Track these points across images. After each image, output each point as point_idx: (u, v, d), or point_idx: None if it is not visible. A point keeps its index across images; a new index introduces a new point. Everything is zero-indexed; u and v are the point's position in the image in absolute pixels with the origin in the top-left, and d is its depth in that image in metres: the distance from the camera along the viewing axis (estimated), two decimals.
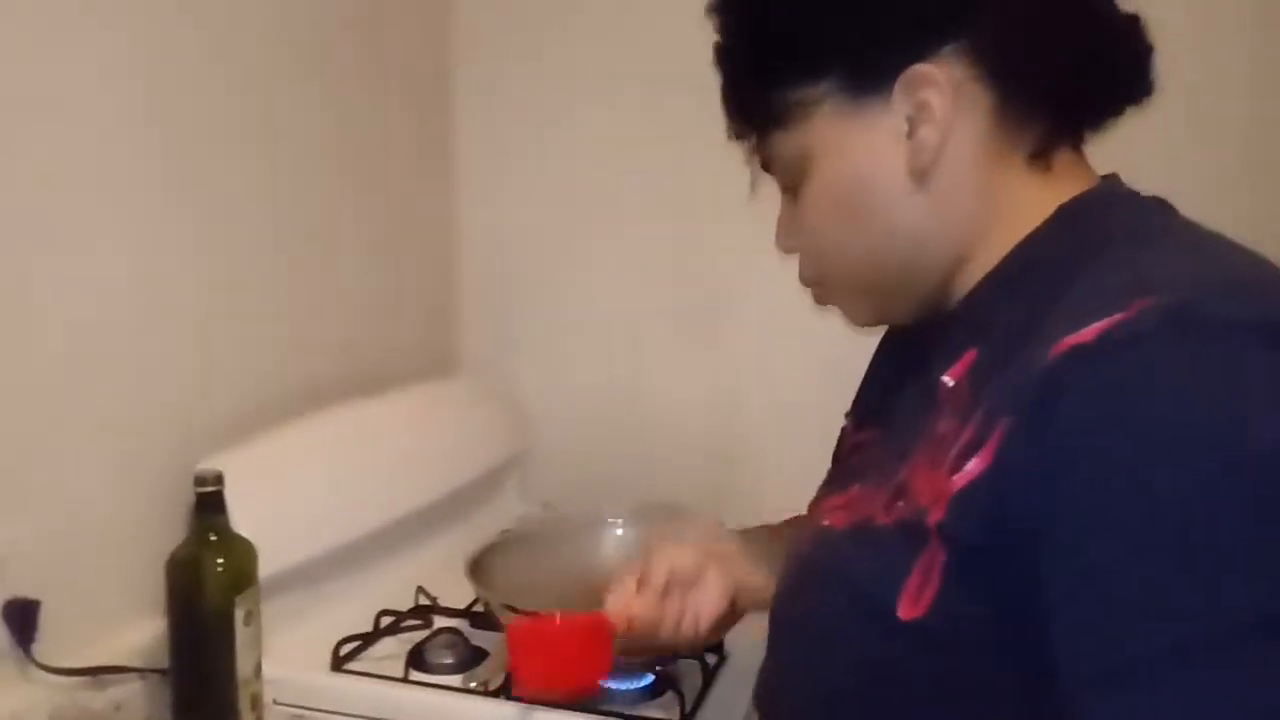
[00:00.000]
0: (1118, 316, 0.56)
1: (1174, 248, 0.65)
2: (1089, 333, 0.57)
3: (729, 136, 0.82)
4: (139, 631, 1.14)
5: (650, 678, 1.20)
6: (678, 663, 1.23)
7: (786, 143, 0.77)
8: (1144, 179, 0.75)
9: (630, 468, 1.82)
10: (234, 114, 1.33)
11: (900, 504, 0.66)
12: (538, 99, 1.86)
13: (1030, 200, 0.71)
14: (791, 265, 0.85)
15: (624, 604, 0.99)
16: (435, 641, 1.27)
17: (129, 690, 1.11)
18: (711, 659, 1.24)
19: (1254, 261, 0.63)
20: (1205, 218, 0.70)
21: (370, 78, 1.63)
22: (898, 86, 0.70)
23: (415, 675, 1.21)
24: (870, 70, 0.71)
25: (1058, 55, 0.70)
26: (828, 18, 0.72)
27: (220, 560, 1.08)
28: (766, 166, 0.81)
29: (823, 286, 0.83)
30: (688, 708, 1.14)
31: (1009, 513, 0.58)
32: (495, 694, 1.17)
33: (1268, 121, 1.56)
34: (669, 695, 1.17)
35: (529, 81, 1.86)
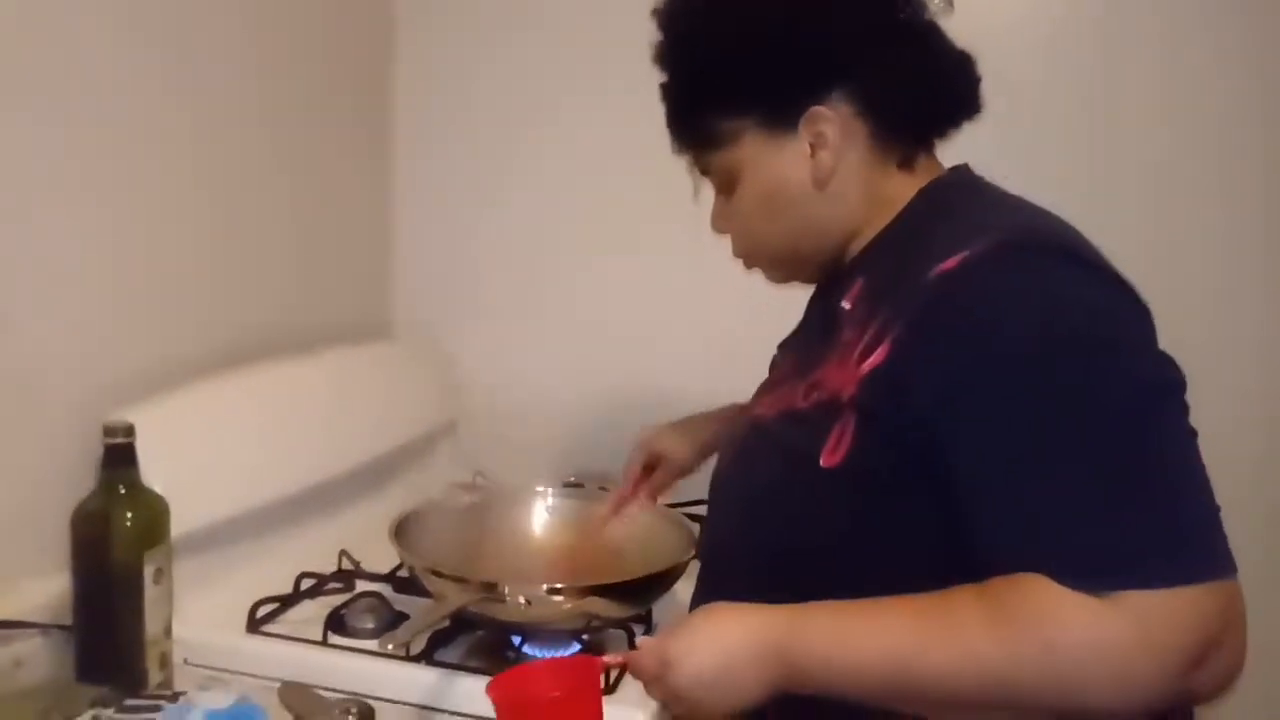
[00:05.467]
0: (969, 251, 0.83)
1: (996, 208, 0.94)
2: (951, 263, 0.83)
3: (673, 151, 1.05)
4: (43, 586, 1.10)
5: (576, 646, 1.19)
6: (605, 632, 1.21)
7: (718, 159, 1.01)
8: None
9: (563, 439, 1.80)
10: (162, 69, 1.29)
11: (815, 394, 0.92)
12: (478, 66, 1.83)
13: (900, 192, 0.98)
14: (716, 247, 1.09)
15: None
16: (356, 605, 1.25)
17: (31, 646, 1.06)
18: (638, 629, 1.22)
19: (1046, 214, 0.91)
20: None
21: (308, 38, 1.59)
22: (802, 122, 0.96)
23: (334, 639, 1.19)
24: (781, 110, 0.96)
25: (913, 94, 0.96)
26: (747, 69, 0.97)
27: (129, 514, 1.05)
28: (704, 172, 1.05)
29: (749, 259, 1.08)
30: (613, 676, 1.12)
31: (906, 385, 0.83)
32: (415, 659, 1.14)
33: None
34: None
35: (469, 41, 1.83)
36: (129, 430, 1.05)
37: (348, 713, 0.96)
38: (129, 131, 1.25)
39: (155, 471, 1.10)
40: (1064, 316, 0.79)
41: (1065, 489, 0.75)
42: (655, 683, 0.86)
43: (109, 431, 1.04)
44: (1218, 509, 0.77)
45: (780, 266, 1.06)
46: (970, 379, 0.79)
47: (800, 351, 1.06)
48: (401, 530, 1.25)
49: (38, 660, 1.07)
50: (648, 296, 1.80)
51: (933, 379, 0.81)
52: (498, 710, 0.86)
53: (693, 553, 1.24)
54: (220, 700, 0.95)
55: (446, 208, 1.88)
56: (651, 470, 1.34)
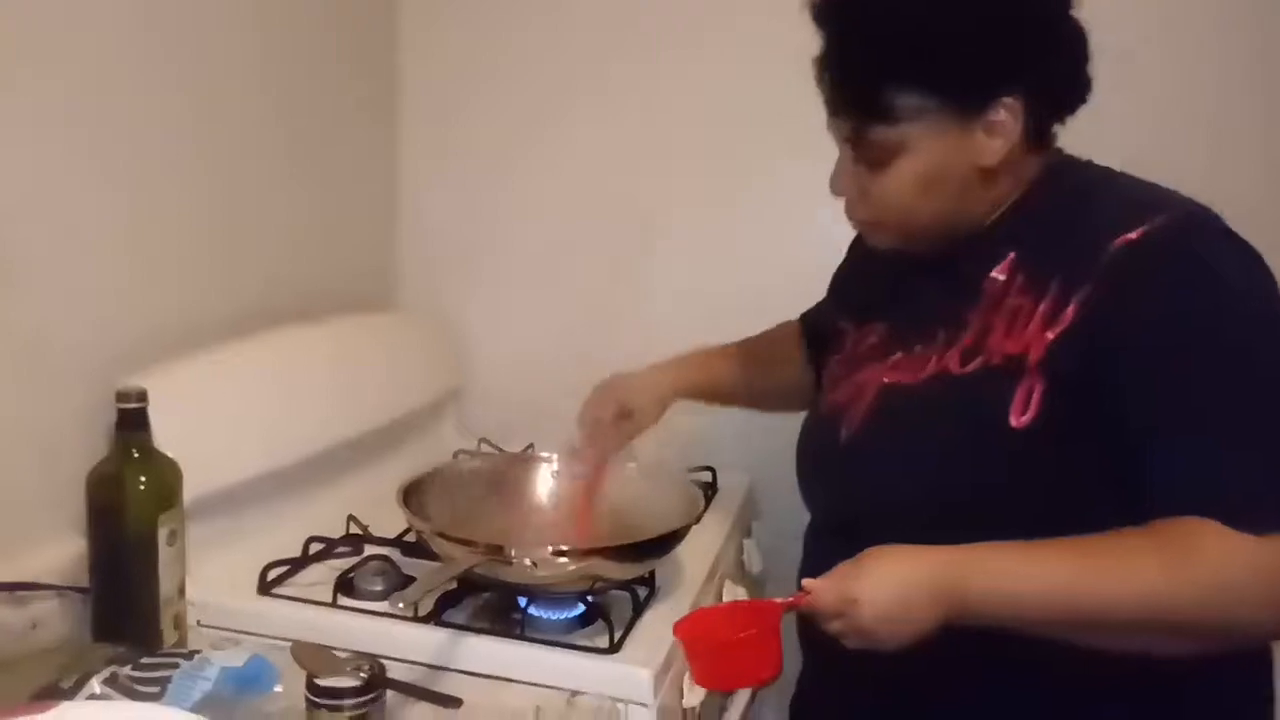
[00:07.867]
0: (1148, 225, 0.94)
1: (1145, 187, 1.02)
2: (1134, 234, 0.94)
3: (830, 114, 1.06)
4: (59, 549, 1.12)
5: (581, 607, 1.21)
6: (608, 593, 1.23)
7: (884, 132, 1.02)
8: None
9: (568, 406, 1.81)
10: (169, 40, 1.30)
11: (978, 359, 1.01)
12: (485, 33, 1.83)
13: (1028, 171, 1.06)
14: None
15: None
16: (365, 569, 1.27)
17: (47, 608, 1.09)
18: (642, 591, 1.24)
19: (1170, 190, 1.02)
20: None
21: (312, 5, 1.60)
22: (987, 110, 1.00)
23: (344, 600, 1.21)
24: (973, 96, 1.01)
25: (1065, 93, 1.04)
26: (952, 55, 1.00)
27: (142, 478, 1.06)
28: (855, 142, 1.05)
29: (875, 227, 1.12)
30: (617, 636, 1.14)
31: (1098, 345, 0.93)
32: (424, 620, 1.16)
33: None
34: (598, 624, 1.17)
35: (475, 9, 1.83)
36: (142, 395, 1.07)
37: (359, 669, 0.98)
38: (140, 100, 1.26)
39: (167, 436, 1.11)
40: (1237, 289, 0.93)
41: (1235, 443, 0.89)
42: (838, 619, 0.92)
43: (122, 396, 1.06)
44: None
45: (913, 236, 1.09)
46: (1156, 341, 0.91)
47: (900, 318, 1.13)
48: (409, 495, 1.27)
49: (54, 622, 1.09)
50: (652, 265, 1.81)
51: (1125, 340, 0.92)
52: (688, 650, 0.97)
53: (697, 516, 1.26)
54: (235, 658, 0.97)
55: (452, 177, 1.89)
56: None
